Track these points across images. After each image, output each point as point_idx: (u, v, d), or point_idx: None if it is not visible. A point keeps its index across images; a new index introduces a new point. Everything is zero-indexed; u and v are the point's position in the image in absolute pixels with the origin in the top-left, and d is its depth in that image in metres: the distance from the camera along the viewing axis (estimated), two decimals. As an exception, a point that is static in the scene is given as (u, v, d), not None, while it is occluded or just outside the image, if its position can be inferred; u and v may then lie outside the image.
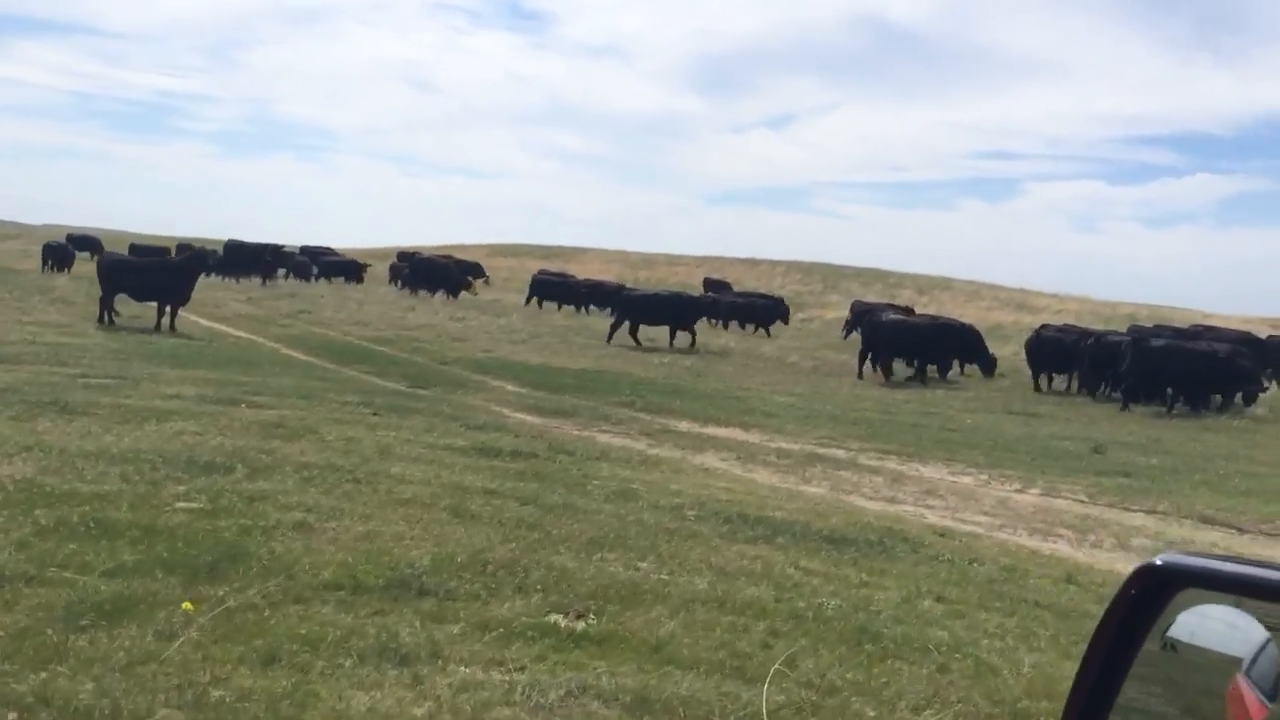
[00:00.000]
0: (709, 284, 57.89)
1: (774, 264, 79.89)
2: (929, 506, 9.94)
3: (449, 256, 59.93)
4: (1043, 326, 29.72)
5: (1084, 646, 4.70)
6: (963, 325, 28.67)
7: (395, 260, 50.34)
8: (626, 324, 27.56)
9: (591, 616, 4.93)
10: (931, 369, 25.62)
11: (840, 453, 13.15)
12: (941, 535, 8.19)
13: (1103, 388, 24.27)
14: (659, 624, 4.87)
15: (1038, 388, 24.80)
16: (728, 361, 26.16)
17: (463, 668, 4.06)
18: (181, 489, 6.81)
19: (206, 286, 36.92)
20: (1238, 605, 1.36)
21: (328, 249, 54.71)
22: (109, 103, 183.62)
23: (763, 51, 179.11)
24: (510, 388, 18.08)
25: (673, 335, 28.38)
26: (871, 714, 3.98)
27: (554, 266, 63.96)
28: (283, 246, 39.57)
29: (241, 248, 38.13)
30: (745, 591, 5.64)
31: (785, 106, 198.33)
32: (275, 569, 5.12)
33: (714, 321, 36.44)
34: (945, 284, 76.65)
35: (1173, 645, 1.40)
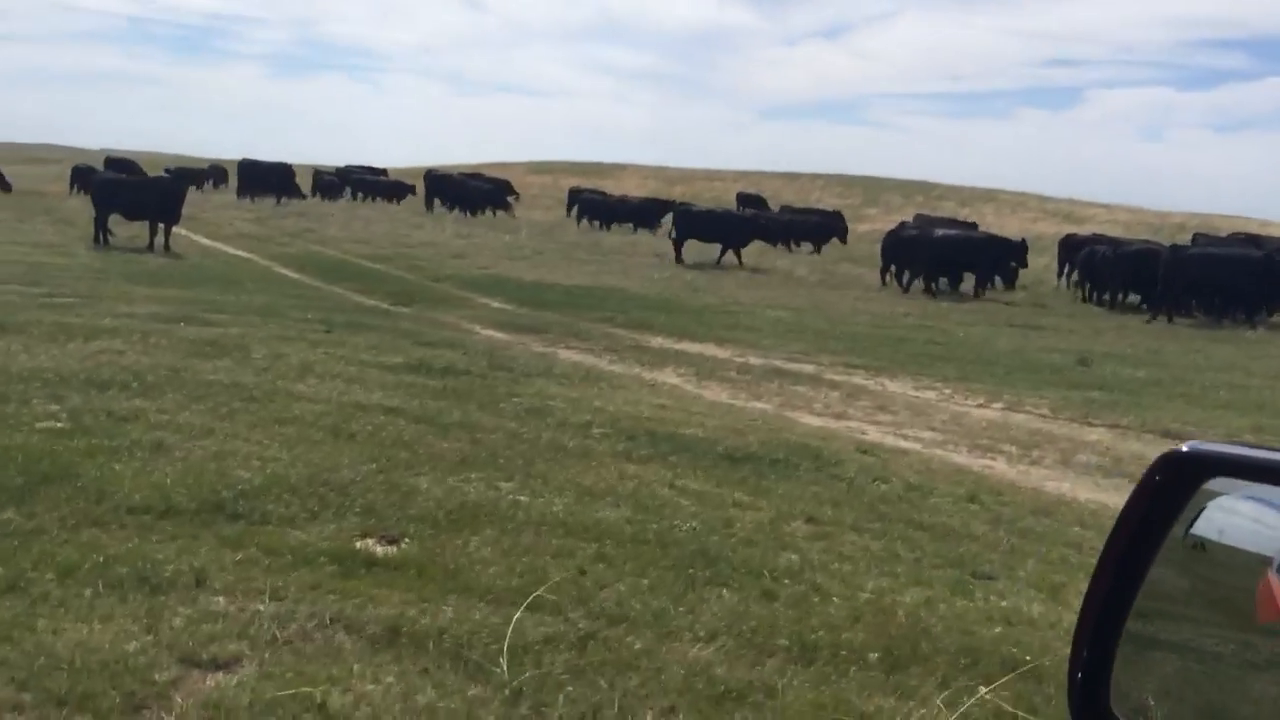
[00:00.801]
0: (742, 199, 57.00)
1: (814, 177, 78.91)
2: (875, 423, 9.57)
3: (479, 174, 59.48)
4: (901, 224, 29.44)
5: (949, 570, 4.39)
6: (983, 237, 27.86)
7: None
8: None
9: (406, 541, 4.68)
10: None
11: (809, 367, 12.76)
12: (864, 452, 7.83)
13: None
14: (474, 549, 4.61)
15: (884, 282, 24.95)
16: (733, 277, 25.65)
17: (219, 598, 3.83)
18: (54, 408, 6.63)
19: (218, 206, 37.12)
20: (1266, 497, 1.29)
21: (369, 168, 53.76)
22: (162, 26, 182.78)
23: None
24: (495, 304, 17.83)
25: (722, 254, 27.78)
26: (638, 646, 3.69)
27: (589, 183, 63.53)
28: (292, 167, 39.22)
29: (255, 166, 37.90)
30: (599, 514, 5.36)
31: (841, 15, 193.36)
32: (90, 491, 4.91)
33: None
34: (990, 195, 75.01)
35: (1200, 543, 1.34)
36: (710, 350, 13.78)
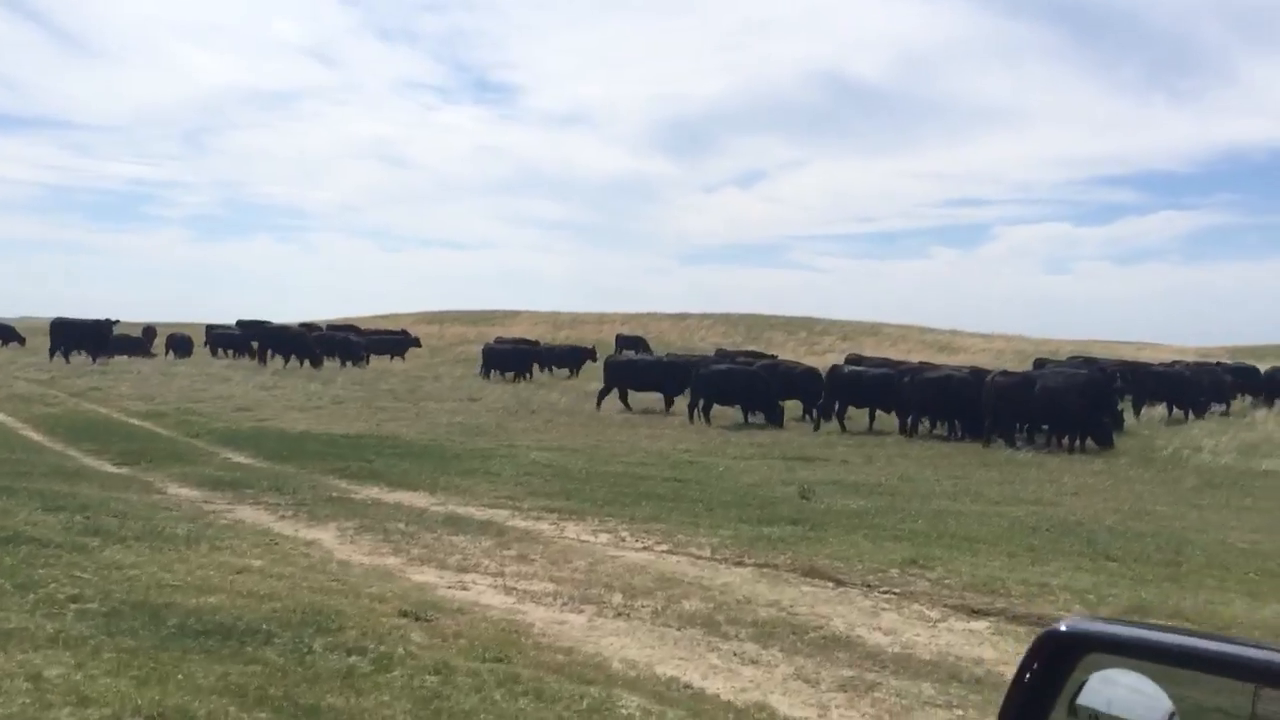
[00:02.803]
0: (621, 340, 57.50)
1: (701, 317, 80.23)
2: (493, 574, 8.71)
3: (352, 326, 58.80)
4: (703, 358, 30.97)
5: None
6: (781, 368, 27.90)
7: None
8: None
9: None
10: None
11: (502, 513, 11.93)
12: (407, 615, 6.94)
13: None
14: None
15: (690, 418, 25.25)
16: (541, 417, 24.93)
17: None
18: None
19: (21, 365, 35.37)
20: (1141, 670, 1.39)
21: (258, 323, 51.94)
22: (85, 194, 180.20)
23: (726, 113, 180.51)
24: (235, 458, 16.80)
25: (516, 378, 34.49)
26: None
27: (479, 330, 63.77)
28: (116, 321, 37.70)
29: (66, 325, 36.28)
30: None
31: (753, 164, 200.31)
32: None
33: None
34: (874, 329, 76.87)
35: (1092, 714, 1.42)
36: (415, 500, 12.87)
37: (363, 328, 56.07)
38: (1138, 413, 30.77)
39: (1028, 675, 1.43)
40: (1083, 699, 1.41)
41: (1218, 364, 40.38)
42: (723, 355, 35.64)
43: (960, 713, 5.60)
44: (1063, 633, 1.46)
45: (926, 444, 21.67)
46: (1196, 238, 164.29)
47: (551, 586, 8.35)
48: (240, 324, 46.11)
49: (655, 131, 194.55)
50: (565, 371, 41.53)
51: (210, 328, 48.97)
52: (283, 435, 19.57)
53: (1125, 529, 11.44)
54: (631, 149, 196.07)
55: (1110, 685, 1.40)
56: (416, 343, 50.23)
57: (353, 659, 5.78)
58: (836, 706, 5.69)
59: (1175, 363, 39.52)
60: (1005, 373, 23.66)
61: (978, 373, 24.29)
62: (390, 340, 50.86)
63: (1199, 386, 32.04)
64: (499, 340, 45.53)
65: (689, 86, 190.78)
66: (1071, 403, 20.15)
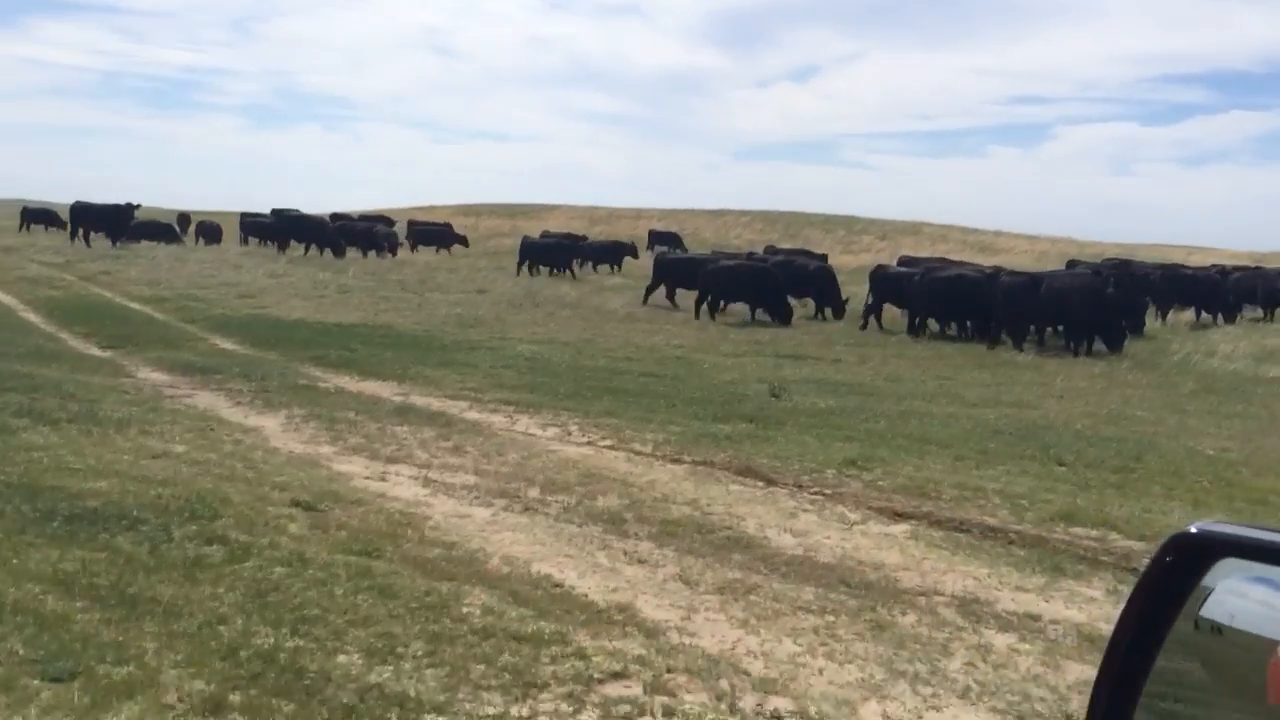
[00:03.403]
0: (654, 236, 56.95)
1: (739, 214, 79.15)
2: (420, 466, 8.57)
3: (384, 216, 58.50)
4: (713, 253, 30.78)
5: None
6: (795, 265, 27.33)
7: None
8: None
9: None
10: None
11: (459, 405, 11.79)
12: (303, 507, 6.82)
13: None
14: None
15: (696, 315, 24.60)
16: (544, 310, 24.71)
17: None
18: None
19: (40, 248, 35.57)
20: (1275, 579, 1.29)
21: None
22: (135, 80, 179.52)
23: (780, 3, 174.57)
24: (220, 344, 16.82)
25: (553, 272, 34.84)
26: None
27: (516, 223, 63.15)
28: (137, 206, 37.64)
29: (88, 209, 36.35)
30: None
31: (808, 58, 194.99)
32: None
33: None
34: (914, 228, 75.25)
35: (1213, 626, 1.33)
36: (379, 390, 12.77)
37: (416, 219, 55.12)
38: (1164, 316, 30.02)
39: (1152, 580, 1.33)
40: (1206, 611, 1.32)
41: (1258, 268, 39.01)
42: (773, 252, 34.80)
43: (831, 618, 5.38)
44: (1193, 535, 1.33)
45: (931, 345, 21.19)
46: (1268, 139, 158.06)
47: (473, 480, 8.19)
48: (275, 213, 45.83)
49: (707, 23, 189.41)
50: (606, 267, 40.06)
51: (244, 215, 48.58)
52: (277, 323, 19.55)
53: (1093, 433, 11.06)
54: (684, 41, 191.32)
55: (1238, 597, 1.30)
56: (463, 240, 48.68)
57: (210, 548, 5.67)
58: (705, 609, 5.49)
59: (1214, 266, 38.24)
60: (1013, 273, 22.94)
61: (991, 274, 23.59)
62: (435, 232, 49.60)
63: (1232, 290, 31.09)
64: (544, 234, 44.38)
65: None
66: (1077, 304, 19.51)
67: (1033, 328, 20.96)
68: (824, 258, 34.04)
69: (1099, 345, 20.08)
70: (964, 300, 22.21)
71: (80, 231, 36.15)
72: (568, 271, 36.03)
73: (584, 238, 45.86)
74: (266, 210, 46.81)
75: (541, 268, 35.75)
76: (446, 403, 11.92)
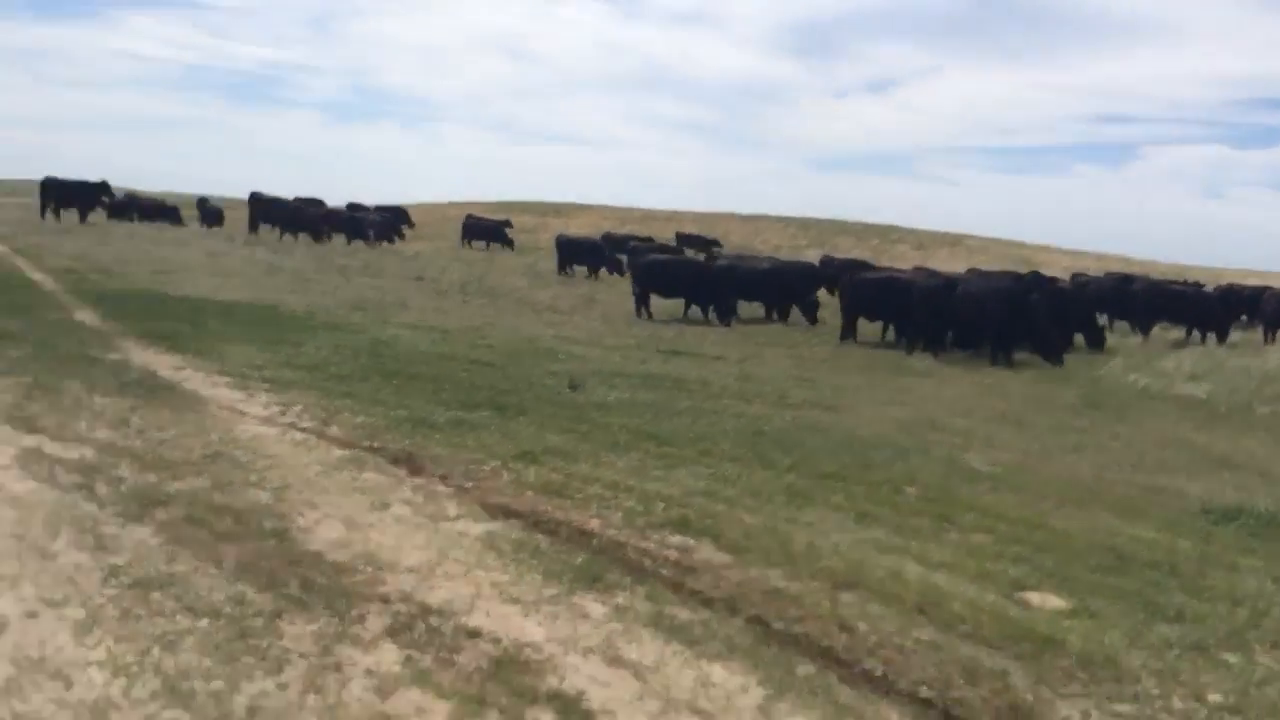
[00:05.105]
0: (681, 238, 56.36)
1: (772, 220, 78.29)
2: (51, 436, 7.91)
3: (402, 209, 58.50)
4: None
5: None
6: (743, 265, 26.27)
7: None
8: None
9: None
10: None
11: (215, 380, 11.10)
12: None
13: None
14: None
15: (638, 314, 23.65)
16: (453, 299, 24.05)
17: None
18: None
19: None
20: None
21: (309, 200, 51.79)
22: (218, 74, 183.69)
23: (857, 14, 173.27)
24: (75, 315, 16.35)
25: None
26: None
27: (545, 222, 63.09)
28: (104, 184, 37.76)
29: (55, 184, 36.56)
30: None
31: (885, 71, 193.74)
32: None
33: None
34: (953, 240, 73.74)
35: None
36: (153, 361, 12.07)
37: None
38: (1146, 332, 28.54)
39: None
40: None
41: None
42: (828, 262, 33.54)
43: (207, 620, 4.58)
44: None
45: (844, 348, 20.10)
46: None
47: (89, 454, 7.50)
48: (253, 196, 45.91)
49: (781, 33, 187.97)
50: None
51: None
52: (160, 298, 19.03)
53: (872, 439, 10.02)
54: (757, 50, 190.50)
55: None
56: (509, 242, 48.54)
57: None
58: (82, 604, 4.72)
59: (1224, 285, 36.30)
60: (933, 275, 21.74)
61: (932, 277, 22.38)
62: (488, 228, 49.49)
63: (1221, 309, 29.52)
64: (608, 235, 43.63)
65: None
66: (991, 309, 18.31)
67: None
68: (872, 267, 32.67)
69: (1032, 356, 18.89)
70: (894, 303, 21.08)
71: (50, 206, 36.34)
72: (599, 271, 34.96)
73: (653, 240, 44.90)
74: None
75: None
76: (207, 378, 11.23)
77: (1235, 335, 29.08)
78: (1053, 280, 25.98)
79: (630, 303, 24.15)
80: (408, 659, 4.41)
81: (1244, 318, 32.94)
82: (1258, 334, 29.91)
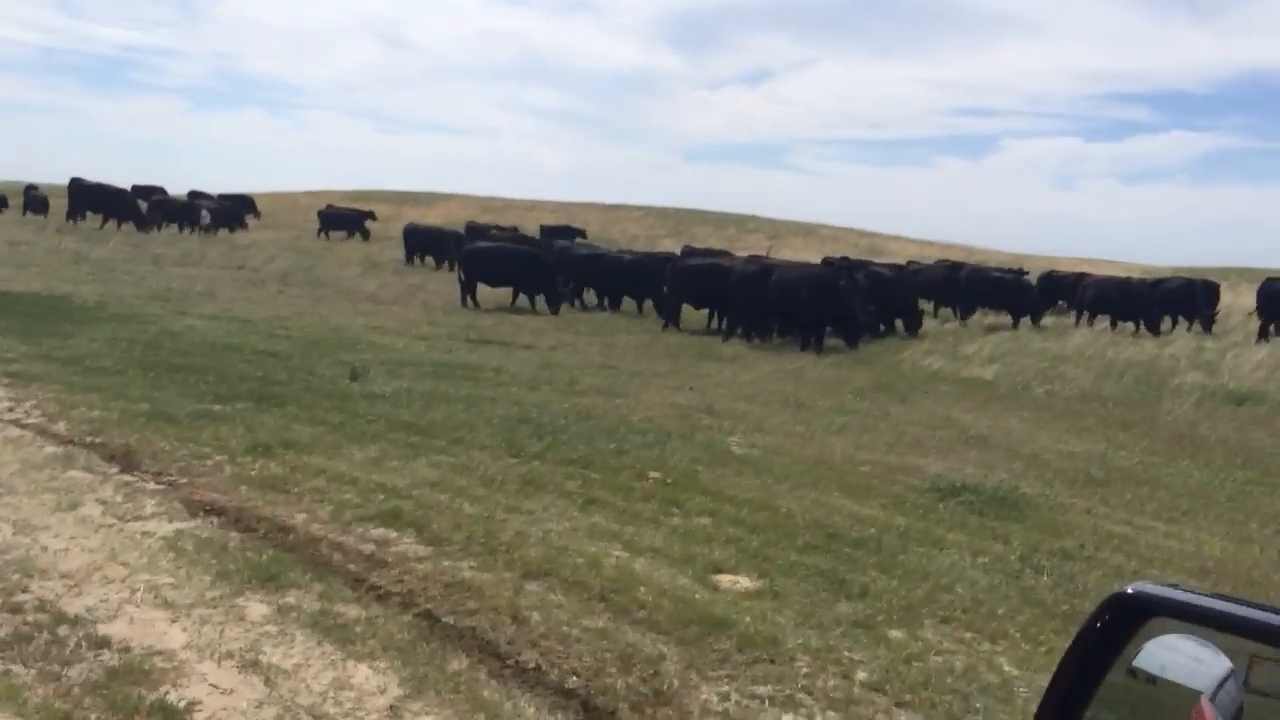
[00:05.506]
0: (545, 230, 55.69)
1: (631, 209, 78.12)
2: None
3: (243, 197, 56.15)
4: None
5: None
6: (570, 252, 26.17)
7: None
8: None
9: None
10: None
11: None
12: None
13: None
14: None
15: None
16: (276, 291, 23.25)
17: None
18: None
19: None
20: (1205, 637, 1.35)
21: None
22: (73, 56, 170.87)
23: (736, 6, 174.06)
24: None
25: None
26: None
27: (400, 211, 61.45)
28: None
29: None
30: None
31: (760, 63, 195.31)
32: None
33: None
34: (807, 229, 75.04)
35: (1147, 677, 1.40)
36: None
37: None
38: (967, 317, 29.58)
39: (1090, 635, 1.42)
40: (1139, 661, 1.40)
41: (1129, 278, 38.26)
42: (690, 252, 33.26)
43: None
44: (1129, 595, 1.43)
45: (663, 335, 20.18)
46: (1207, 160, 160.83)
47: None
48: (135, 189, 43.50)
49: (662, 24, 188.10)
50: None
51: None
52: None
53: (635, 425, 9.99)
54: (637, 41, 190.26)
55: (1169, 650, 1.38)
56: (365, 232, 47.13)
57: None
58: None
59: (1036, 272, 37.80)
60: (752, 260, 22.06)
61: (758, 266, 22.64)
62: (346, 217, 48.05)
63: (1038, 295, 30.90)
64: (471, 224, 42.63)
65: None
66: (805, 296, 18.63)
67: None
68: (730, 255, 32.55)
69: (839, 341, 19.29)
70: (715, 290, 21.25)
71: None
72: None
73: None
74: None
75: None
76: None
77: (1049, 320, 30.39)
78: (864, 265, 26.55)
79: (458, 292, 23.77)
80: (4, 674, 4.09)
81: (1062, 303, 34.48)
82: (1071, 318, 31.35)
